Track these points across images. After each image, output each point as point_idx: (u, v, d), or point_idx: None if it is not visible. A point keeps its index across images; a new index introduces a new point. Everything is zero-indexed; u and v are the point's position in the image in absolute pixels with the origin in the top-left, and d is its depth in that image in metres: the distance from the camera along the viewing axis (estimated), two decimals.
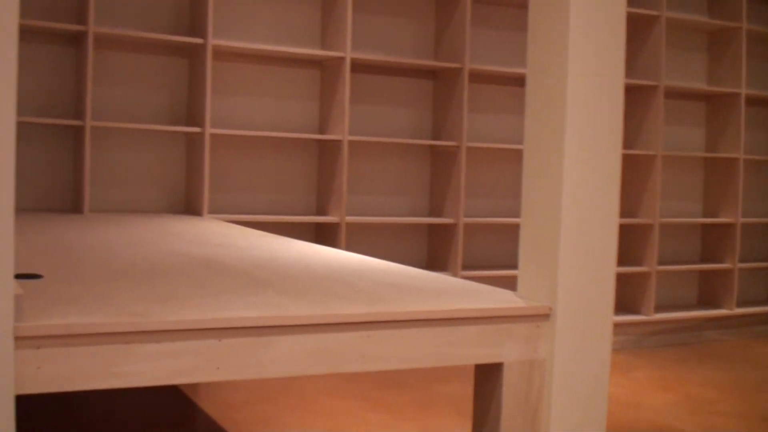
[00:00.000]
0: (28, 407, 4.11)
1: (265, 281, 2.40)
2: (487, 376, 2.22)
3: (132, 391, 4.55)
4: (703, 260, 6.98)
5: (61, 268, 2.48)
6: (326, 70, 5.52)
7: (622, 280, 6.54)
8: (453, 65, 5.64)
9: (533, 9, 2.29)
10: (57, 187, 4.90)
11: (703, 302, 6.95)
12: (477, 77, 6.04)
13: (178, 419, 4.19)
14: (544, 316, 2.19)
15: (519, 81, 6.19)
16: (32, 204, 4.83)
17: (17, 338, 1.68)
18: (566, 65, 2.18)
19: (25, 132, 4.80)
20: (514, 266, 5.78)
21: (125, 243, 3.26)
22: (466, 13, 5.62)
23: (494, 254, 6.22)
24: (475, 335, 2.12)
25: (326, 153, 5.50)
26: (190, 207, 5.12)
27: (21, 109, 4.75)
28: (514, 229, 6.13)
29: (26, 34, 4.78)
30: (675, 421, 4.39)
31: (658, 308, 6.58)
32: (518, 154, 6.22)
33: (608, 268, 2.24)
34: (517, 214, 6.04)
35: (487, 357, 2.15)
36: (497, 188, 6.20)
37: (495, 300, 2.23)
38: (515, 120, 6.23)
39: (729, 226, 6.78)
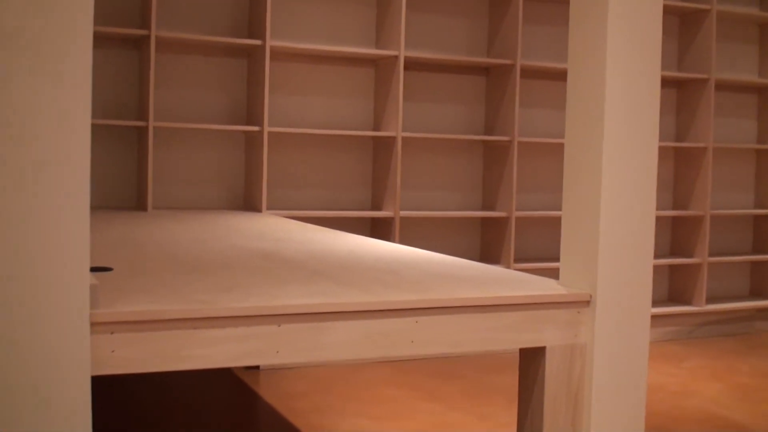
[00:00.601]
0: (105, 390, 4.29)
1: (321, 272, 2.51)
2: (531, 360, 2.33)
3: (196, 380, 4.71)
4: (754, 251, 6.97)
5: (129, 261, 2.61)
6: (380, 68, 5.63)
7: (674, 271, 6.57)
8: (505, 62, 5.70)
9: (573, 6, 2.39)
10: (122, 186, 5.06)
11: (755, 293, 6.94)
12: (529, 73, 6.10)
13: (241, 406, 4.33)
14: (585, 303, 2.30)
15: None
16: (99, 201, 5.00)
17: (93, 324, 1.81)
18: (604, 61, 2.27)
19: (91, 133, 4.97)
20: None
21: (188, 238, 3.39)
22: (519, 10, 5.67)
23: (546, 247, 6.28)
24: (520, 321, 2.23)
25: (380, 149, 5.61)
26: (249, 203, 5.27)
27: None
28: None
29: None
30: (725, 410, 4.44)
31: (710, 299, 6.59)
32: None
33: (646, 256, 2.34)
34: None
35: (530, 341, 2.25)
36: (549, 182, 6.25)
37: (538, 287, 2.34)
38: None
39: None
